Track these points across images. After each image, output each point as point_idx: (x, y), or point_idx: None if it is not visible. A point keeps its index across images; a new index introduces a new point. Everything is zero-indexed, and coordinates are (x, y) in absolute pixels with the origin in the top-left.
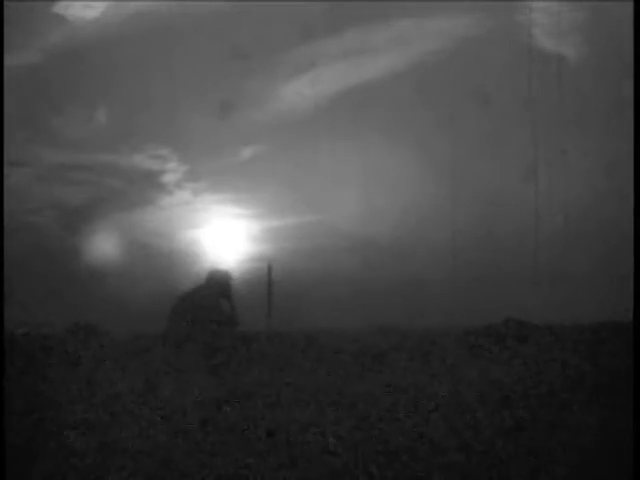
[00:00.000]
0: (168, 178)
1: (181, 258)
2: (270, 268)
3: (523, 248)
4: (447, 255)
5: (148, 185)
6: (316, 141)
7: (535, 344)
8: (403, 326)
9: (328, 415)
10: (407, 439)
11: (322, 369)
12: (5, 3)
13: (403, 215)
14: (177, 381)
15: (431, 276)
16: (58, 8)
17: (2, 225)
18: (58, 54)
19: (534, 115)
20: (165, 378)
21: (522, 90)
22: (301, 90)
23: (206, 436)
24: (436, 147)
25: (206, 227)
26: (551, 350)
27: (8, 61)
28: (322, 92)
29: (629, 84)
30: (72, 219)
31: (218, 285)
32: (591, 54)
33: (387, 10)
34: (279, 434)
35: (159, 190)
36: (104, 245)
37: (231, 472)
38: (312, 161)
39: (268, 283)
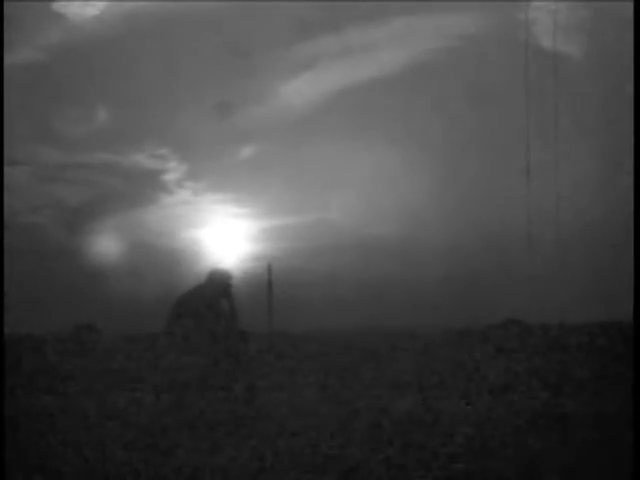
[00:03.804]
0: (169, 177)
1: (181, 257)
2: (270, 267)
3: (522, 248)
4: (447, 255)
5: (149, 184)
6: (316, 140)
7: (534, 344)
8: (403, 326)
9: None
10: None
11: (321, 369)
12: (5, 2)
13: (403, 214)
14: (177, 381)
15: (432, 276)
16: (58, 7)
17: (2, 224)
18: (58, 53)
19: (534, 114)
20: (165, 379)
21: (522, 89)
22: (301, 89)
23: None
24: (435, 146)
25: (206, 226)
26: (551, 350)
27: (8, 60)
28: (322, 90)
29: (629, 83)
30: (72, 218)
31: (218, 284)
32: (591, 53)
33: (387, 8)
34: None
35: (160, 189)
36: (104, 244)
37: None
38: (312, 160)
39: (268, 282)
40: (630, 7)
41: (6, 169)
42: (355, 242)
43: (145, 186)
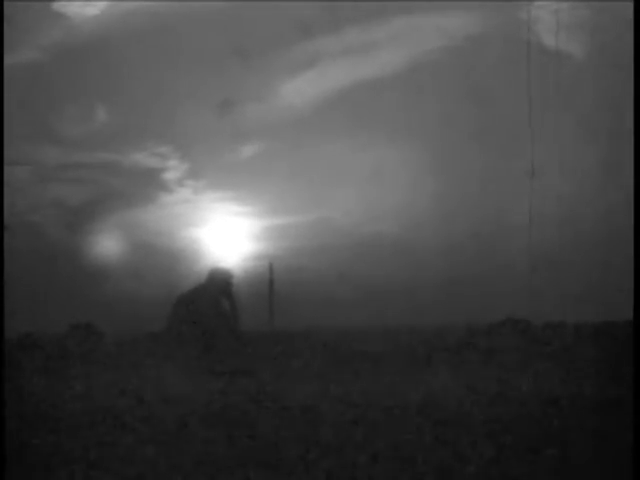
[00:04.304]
0: (169, 176)
1: (182, 257)
2: (271, 266)
3: (523, 247)
4: (447, 254)
5: (149, 183)
6: (317, 139)
7: (534, 344)
8: (404, 324)
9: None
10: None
11: (322, 369)
12: (5, 2)
13: (404, 213)
14: (178, 380)
15: (432, 275)
16: (58, 6)
17: (2, 224)
18: (58, 52)
19: (536, 113)
20: (166, 377)
21: (523, 88)
22: (301, 88)
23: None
24: (436, 146)
25: (207, 225)
26: (551, 349)
27: (8, 59)
28: (323, 90)
29: (630, 82)
30: (72, 218)
31: (219, 284)
32: (593, 52)
33: (387, 8)
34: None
35: (160, 188)
36: (105, 244)
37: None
38: (313, 159)
39: (269, 281)
40: (631, 7)
41: (6, 169)
42: (356, 241)
43: (145, 185)
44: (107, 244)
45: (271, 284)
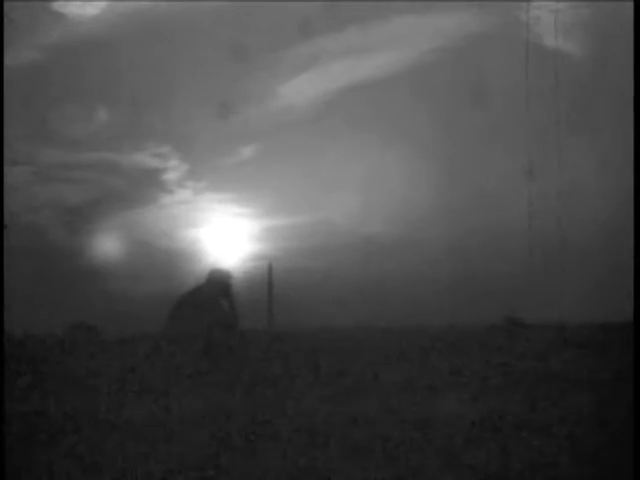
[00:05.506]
0: (169, 177)
1: (181, 257)
2: (270, 267)
3: (523, 247)
4: (446, 254)
5: (149, 184)
6: (317, 140)
7: (535, 343)
8: (403, 325)
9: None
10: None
11: (322, 369)
12: (5, 2)
13: (404, 214)
14: (177, 380)
15: (432, 275)
16: (57, 6)
17: (2, 224)
18: (58, 52)
19: (534, 114)
20: (166, 377)
21: (523, 88)
22: (301, 88)
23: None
24: (435, 146)
25: (207, 226)
26: (550, 349)
27: (8, 59)
28: (323, 90)
29: (629, 82)
30: (72, 218)
31: (218, 284)
32: (593, 52)
33: (388, 8)
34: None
35: (160, 189)
36: (104, 244)
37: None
38: (313, 160)
39: (268, 282)
40: (631, 7)
41: (6, 169)
42: (356, 242)
43: (145, 185)
44: (107, 244)
45: (270, 285)
